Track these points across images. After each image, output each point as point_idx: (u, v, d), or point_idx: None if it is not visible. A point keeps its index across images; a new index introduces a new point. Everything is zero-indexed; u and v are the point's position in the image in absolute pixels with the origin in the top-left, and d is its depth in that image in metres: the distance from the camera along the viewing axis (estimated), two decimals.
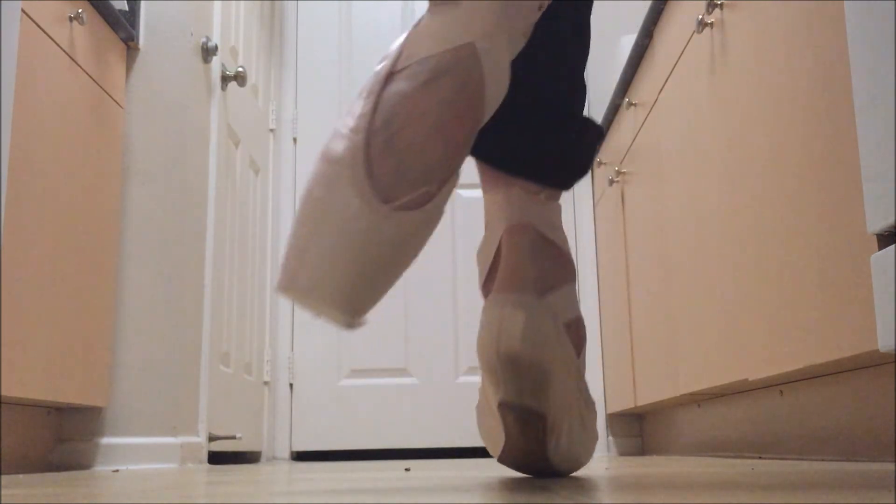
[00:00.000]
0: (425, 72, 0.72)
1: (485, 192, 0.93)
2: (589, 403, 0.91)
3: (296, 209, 0.74)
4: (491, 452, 0.91)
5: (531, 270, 0.85)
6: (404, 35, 0.76)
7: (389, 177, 0.70)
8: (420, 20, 0.77)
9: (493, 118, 0.84)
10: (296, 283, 0.69)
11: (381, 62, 0.75)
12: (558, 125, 0.91)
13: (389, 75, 0.73)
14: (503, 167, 0.91)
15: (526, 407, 0.81)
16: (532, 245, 0.87)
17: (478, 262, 0.92)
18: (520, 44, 0.79)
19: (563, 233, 0.92)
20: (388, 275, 0.71)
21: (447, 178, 0.73)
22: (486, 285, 0.90)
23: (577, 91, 0.93)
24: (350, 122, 0.72)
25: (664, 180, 1.97)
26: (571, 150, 0.92)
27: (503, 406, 0.81)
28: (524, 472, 0.92)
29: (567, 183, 0.93)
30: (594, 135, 0.95)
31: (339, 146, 0.71)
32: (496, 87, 0.75)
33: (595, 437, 0.94)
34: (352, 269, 0.68)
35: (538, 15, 0.80)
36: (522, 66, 0.84)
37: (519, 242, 0.87)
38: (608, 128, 2.68)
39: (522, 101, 0.88)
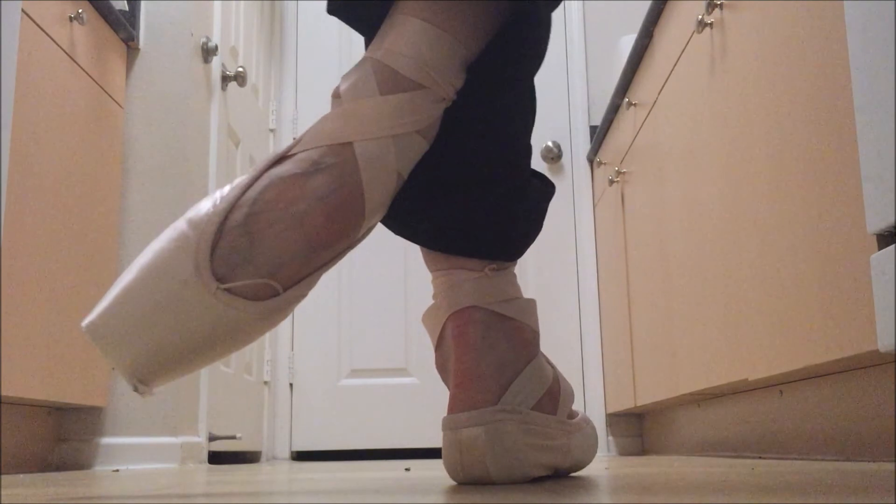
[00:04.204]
0: (307, 161, 0.69)
1: (428, 269, 0.85)
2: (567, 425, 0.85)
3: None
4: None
5: (485, 367, 0.78)
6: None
7: (232, 254, 0.66)
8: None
9: (416, 192, 0.79)
10: (97, 331, 0.66)
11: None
12: (496, 192, 0.81)
13: (282, 157, 0.70)
14: (434, 247, 0.82)
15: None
16: (483, 332, 0.79)
17: (424, 326, 0.86)
18: (419, 146, 0.74)
19: (520, 300, 0.83)
20: (191, 358, 0.67)
21: (296, 279, 0.68)
22: (438, 360, 0.85)
23: (517, 153, 0.83)
24: (226, 190, 0.68)
25: (664, 180, 1.97)
26: (515, 217, 0.82)
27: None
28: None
29: (515, 253, 0.83)
30: (542, 195, 0.86)
31: (203, 210, 0.67)
32: (378, 195, 0.71)
33: (594, 440, 0.91)
34: (156, 340, 0.65)
35: (439, 110, 0.75)
36: (446, 132, 0.78)
37: (467, 333, 0.79)
38: (608, 128, 2.68)
39: (450, 171, 0.80)
